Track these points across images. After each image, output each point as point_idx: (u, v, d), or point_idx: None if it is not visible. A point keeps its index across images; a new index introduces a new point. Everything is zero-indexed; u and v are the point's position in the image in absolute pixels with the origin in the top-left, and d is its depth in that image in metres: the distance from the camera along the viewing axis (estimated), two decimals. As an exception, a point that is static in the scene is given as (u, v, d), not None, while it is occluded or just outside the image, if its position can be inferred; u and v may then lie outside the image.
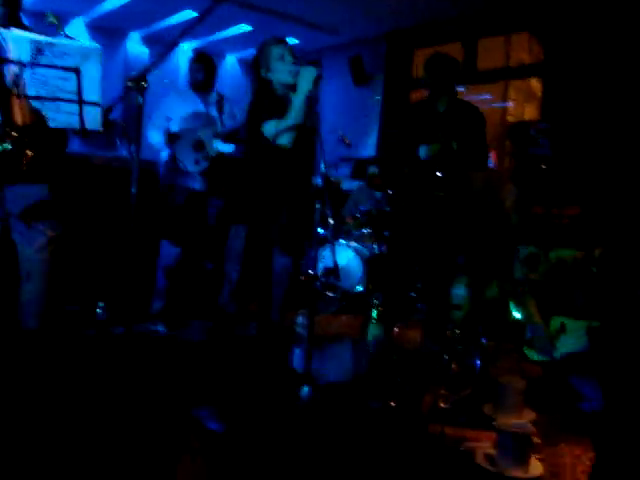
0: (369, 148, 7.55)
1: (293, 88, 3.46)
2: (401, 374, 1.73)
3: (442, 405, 1.61)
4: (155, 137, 5.00)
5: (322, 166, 3.23)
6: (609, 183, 5.81)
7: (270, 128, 3.38)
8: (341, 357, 4.53)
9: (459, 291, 6.34)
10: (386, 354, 2.02)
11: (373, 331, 2.10)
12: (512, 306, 5.42)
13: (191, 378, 3.07)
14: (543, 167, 5.47)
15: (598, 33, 6.56)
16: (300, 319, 4.90)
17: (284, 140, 3.38)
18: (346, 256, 5.78)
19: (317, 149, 3.17)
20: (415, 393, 1.73)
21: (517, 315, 5.32)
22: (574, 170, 5.76)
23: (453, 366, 1.60)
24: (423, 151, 4.74)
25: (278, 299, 3.72)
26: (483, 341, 1.68)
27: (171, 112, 4.99)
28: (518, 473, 1.53)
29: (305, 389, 2.28)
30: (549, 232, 5.49)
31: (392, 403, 1.70)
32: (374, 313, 2.06)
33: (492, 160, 8.49)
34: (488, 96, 8.48)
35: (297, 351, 4.40)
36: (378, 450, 1.70)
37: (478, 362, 1.61)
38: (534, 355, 4.04)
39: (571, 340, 3.92)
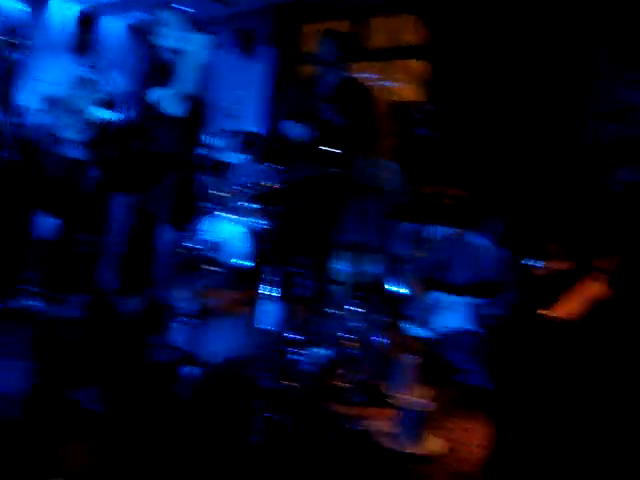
0: (256, 122, 7.44)
1: (181, 55, 3.33)
2: (294, 353, 1.68)
3: (340, 384, 1.57)
4: (29, 100, 4.69)
5: (209, 137, 3.12)
6: (493, 166, 6.00)
7: (156, 95, 3.23)
8: (227, 334, 4.45)
9: (341, 267, 6.39)
10: (278, 332, 1.97)
11: (264, 307, 2.04)
12: (393, 282, 5.52)
13: (68, 357, 2.90)
14: (430, 148, 5.56)
15: (483, 18, 6.73)
16: (183, 294, 4.78)
17: (170, 108, 3.24)
18: (231, 230, 5.68)
19: (204, 120, 3.06)
20: (311, 372, 1.69)
21: (398, 291, 5.42)
22: (458, 152, 5.90)
23: (348, 344, 1.57)
24: (290, 128, 4.66)
25: (161, 274, 3.59)
26: (377, 318, 1.66)
27: (49, 74, 4.70)
28: (417, 450, 1.53)
29: (188, 368, 2.19)
30: (433, 211, 5.62)
31: (286, 382, 1.65)
32: (265, 289, 2.01)
33: (377, 139, 8.58)
34: (375, 75, 8.55)
35: (179, 328, 4.29)
36: (269, 431, 1.66)
37: (374, 339, 1.59)
38: (415, 331, 4.12)
39: (450, 316, 4.03)
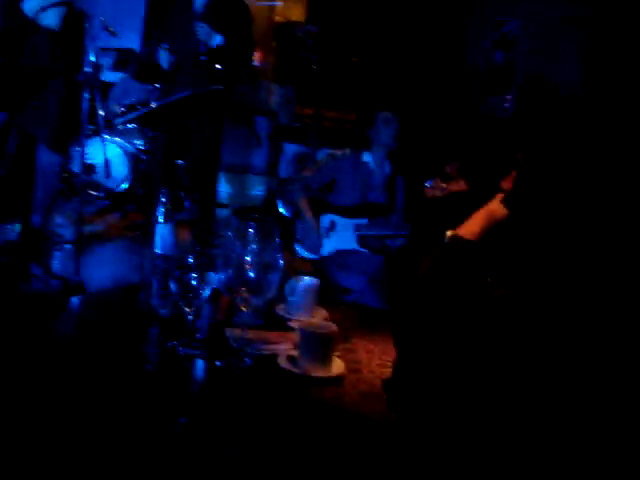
0: (133, 38, 7.05)
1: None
2: (188, 277, 1.63)
3: (243, 308, 1.55)
4: None
5: (90, 53, 2.92)
6: (380, 86, 6.03)
7: (32, 4, 2.96)
8: (112, 260, 4.32)
9: (226, 189, 6.31)
10: (168, 255, 1.90)
11: (159, 231, 1.96)
12: (280, 204, 5.51)
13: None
14: (314, 68, 5.49)
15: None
16: (60, 220, 4.56)
17: (49, 20, 2.99)
18: (110, 152, 5.43)
19: (84, 34, 2.84)
20: (205, 296, 1.65)
21: (285, 212, 5.43)
22: (343, 74, 5.86)
23: (242, 266, 1.53)
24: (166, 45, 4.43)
25: (42, 200, 3.39)
26: (268, 240, 1.63)
27: None
28: (322, 372, 1.53)
29: (74, 298, 2.09)
30: (318, 132, 5.60)
31: (187, 308, 1.60)
32: (152, 212, 1.93)
33: (257, 59, 8.40)
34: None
35: (61, 255, 4.11)
36: (164, 359, 1.62)
37: (268, 261, 1.56)
38: (304, 252, 4.15)
39: (339, 237, 4.07)
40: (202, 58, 4.39)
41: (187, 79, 4.56)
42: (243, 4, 4.69)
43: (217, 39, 4.36)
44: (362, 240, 4.01)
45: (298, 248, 4.17)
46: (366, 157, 3.93)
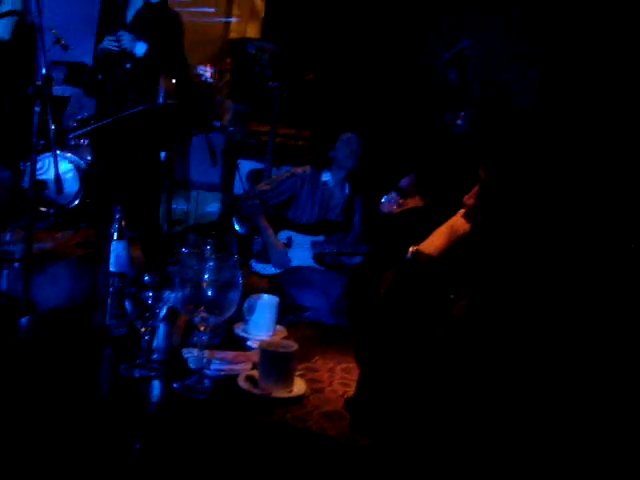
0: (87, 52, 6.95)
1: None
2: (142, 295, 1.59)
3: (201, 328, 1.51)
4: None
5: (42, 66, 2.85)
6: (337, 104, 6.03)
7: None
8: (64, 278, 4.21)
9: (180, 205, 6.25)
10: (122, 273, 1.85)
11: (114, 248, 1.91)
12: (235, 220, 5.47)
13: None
14: (269, 86, 5.47)
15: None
16: (8, 237, 4.44)
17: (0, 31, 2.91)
18: (62, 168, 5.32)
19: (38, 46, 2.77)
20: (162, 316, 1.60)
21: (240, 229, 5.39)
22: (298, 91, 5.85)
23: (200, 284, 1.49)
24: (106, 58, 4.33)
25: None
26: (225, 257, 1.59)
27: None
28: (283, 393, 1.50)
29: (24, 319, 2.00)
30: (275, 149, 5.58)
31: (142, 328, 1.56)
32: (107, 229, 1.87)
33: (210, 76, 8.36)
34: (212, 9, 8.26)
35: (9, 273, 3.99)
36: (119, 381, 1.57)
37: (225, 279, 1.52)
38: (262, 268, 4.12)
39: (296, 254, 4.05)
40: (127, 66, 4.27)
41: (135, 94, 4.45)
42: (177, 14, 4.55)
43: (141, 48, 4.25)
44: (318, 257, 4.00)
45: (254, 265, 4.14)
46: (325, 176, 3.92)
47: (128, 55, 4.19)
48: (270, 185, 4.11)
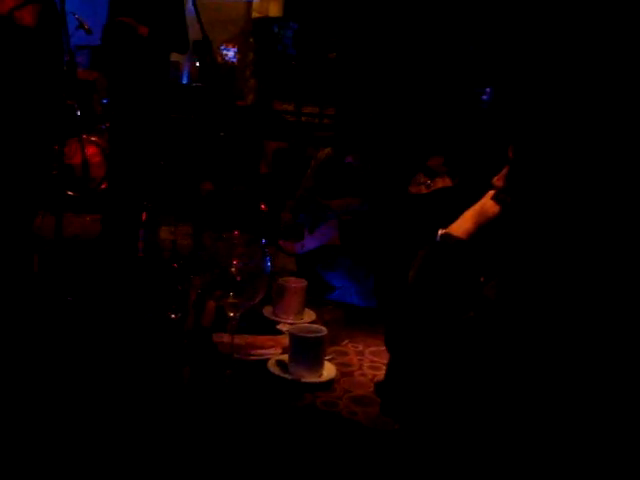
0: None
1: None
2: (173, 281, 1.59)
3: (230, 313, 1.51)
4: None
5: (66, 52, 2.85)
6: (361, 83, 5.98)
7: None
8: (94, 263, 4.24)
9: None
10: (151, 259, 1.86)
11: (144, 235, 1.92)
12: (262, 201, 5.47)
13: None
14: (293, 64, 5.44)
15: None
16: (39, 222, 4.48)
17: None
18: (89, 152, 5.36)
19: (62, 31, 2.77)
20: (192, 301, 1.61)
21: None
22: (321, 69, 5.81)
23: (233, 269, 1.49)
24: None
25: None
26: (253, 240, 1.59)
27: None
28: (313, 378, 1.50)
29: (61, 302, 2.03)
30: (301, 129, 5.56)
31: (173, 315, 1.57)
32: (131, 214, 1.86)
33: (235, 55, 8.34)
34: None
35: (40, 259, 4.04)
36: (153, 365, 1.58)
37: (255, 262, 1.52)
38: (288, 250, 4.11)
39: (321, 231, 4.04)
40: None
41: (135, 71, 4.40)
42: None
43: None
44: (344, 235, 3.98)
45: (282, 246, 4.13)
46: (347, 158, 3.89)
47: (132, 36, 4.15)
48: (307, 181, 4.07)
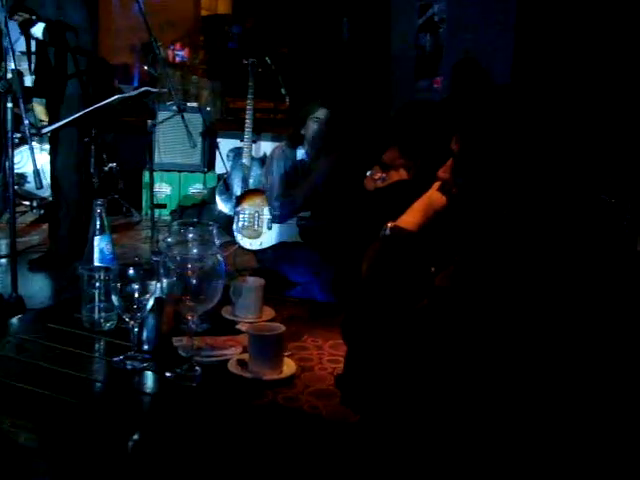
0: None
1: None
2: (130, 287, 1.60)
3: (188, 317, 1.52)
4: None
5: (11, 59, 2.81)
6: (312, 76, 5.99)
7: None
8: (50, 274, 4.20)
9: (162, 189, 6.22)
10: (108, 266, 1.86)
11: (98, 243, 1.91)
12: (220, 199, 5.46)
13: None
14: (242, 62, 5.44)
15: None
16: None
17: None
18: (40, 161, 5.27)
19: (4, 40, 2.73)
20: (149, 305, 1.62)
21: (224, 208, 5.39)
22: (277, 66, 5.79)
23: (189, 273, 1.51)
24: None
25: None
26: (209, 240, 1.61)
27: None
28: (274, 375, 1.52)
29: (14, 318, 2.01)
30: (257, 125, 5.58)
31: (131, 321, 1.57)
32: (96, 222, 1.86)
33: (185, 54, 8.28)
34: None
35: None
36: (111, 376, 1.59)
37: (210, 262, 1.53)
38: (245, 244, 4.13)
39: (283, 228, 4.08)
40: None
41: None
42: None
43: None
44: (304, 233, 4.01)
45: (240, 242, 4.15)
46: (300, 154, 3.92)
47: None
48: (268, 178, 4.08)
